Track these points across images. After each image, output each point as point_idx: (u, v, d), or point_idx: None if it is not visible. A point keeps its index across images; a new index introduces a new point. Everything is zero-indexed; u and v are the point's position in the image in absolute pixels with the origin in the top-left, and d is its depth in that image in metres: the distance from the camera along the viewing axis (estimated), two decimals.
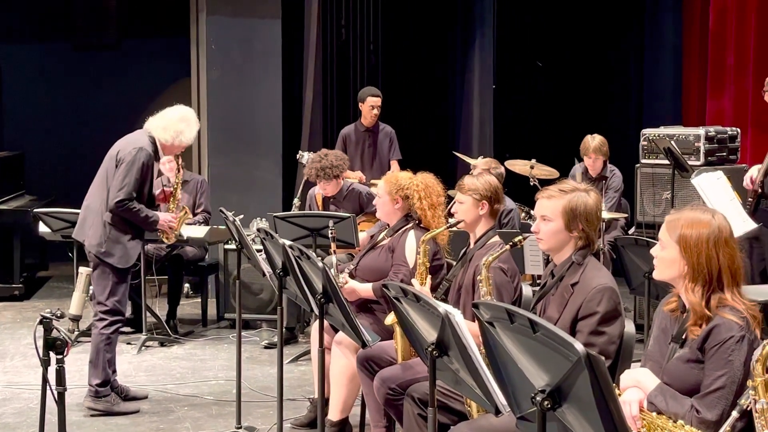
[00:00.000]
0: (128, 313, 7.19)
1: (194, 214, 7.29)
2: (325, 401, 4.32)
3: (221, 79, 8.45)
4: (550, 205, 3.47)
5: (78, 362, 6.11)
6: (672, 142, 6.69)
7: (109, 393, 5.28)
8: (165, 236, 5.69)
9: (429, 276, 4.31)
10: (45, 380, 3.35)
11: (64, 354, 3.24)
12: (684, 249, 2.94)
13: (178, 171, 5.68)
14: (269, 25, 8.45)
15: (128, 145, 5.34)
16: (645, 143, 7.28)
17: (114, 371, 5.47)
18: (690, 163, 6.77)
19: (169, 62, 10.54)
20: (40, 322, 3.24)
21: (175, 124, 5.40)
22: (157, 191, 5.62)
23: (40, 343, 3.31)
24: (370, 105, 7.91)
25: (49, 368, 3.31)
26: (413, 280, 4.34)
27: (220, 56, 8.44)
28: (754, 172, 5.65)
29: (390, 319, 4.24)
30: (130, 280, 5.41)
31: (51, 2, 10.96)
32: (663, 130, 7.30)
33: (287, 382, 5.38)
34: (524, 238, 3.85)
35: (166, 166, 7.25)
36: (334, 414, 4.68)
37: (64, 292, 8.07)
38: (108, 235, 5.25)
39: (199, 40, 8.58)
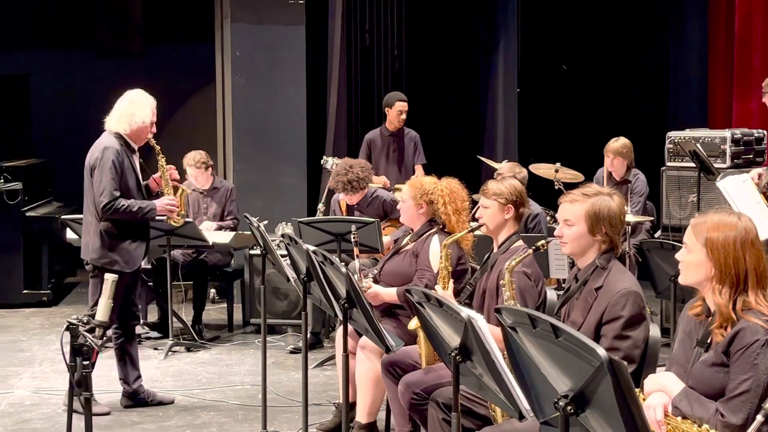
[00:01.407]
0: (155, 317, 7.29)
1: (223, 220, 7.34)
2: (350, 406, 4.33)
3: (246, 86, 8.49)
4: (573, 209, 3.48)
5: (104, 368, 6.16)
6: (698, 145, 6.65)
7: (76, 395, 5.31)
8: (170, 220, 5.59)
9: (451, 280, 4.30)
10: (72, 386, 3.38)
11: (91, 360, 3.27)
12: (711, 251, 2.93)
13: (159, 154, 5.48)
14: (293, 31, 8.48)
15: (94, 151, 5.32)
16: (670, 146, 7.25)
17: (139, 377, 5.50)
18: (716, 165, 6.73)
19: (194, 69, 10.60)
20: (67, 328, 3.27)
21: (125, 110, 5.35)
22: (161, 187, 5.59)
23: (67, 348, 3.34)
24: (398, 110, 7.91)
25: (75, 374, 3.34)
26: (436, 286, 4.34)
27: (244, 63, 8.49)
28: (755, 174, 5.62)
29: (413, 323, 4.24)
30: (126, 292, 5.27)
31: (77, 10, 11.07)
32: (689, 133, 7.26)
33: (312, 386, 5.39)
34: (547, 242, 3.84)
35: (193, 180, 7.30)
36: (361, 417, 4.70)
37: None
38: (108, 244, 5.24)
39: (224, 47, 8.63)
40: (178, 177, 5.64)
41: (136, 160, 5.41)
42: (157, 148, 5.47)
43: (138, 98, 5.42)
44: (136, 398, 5.49)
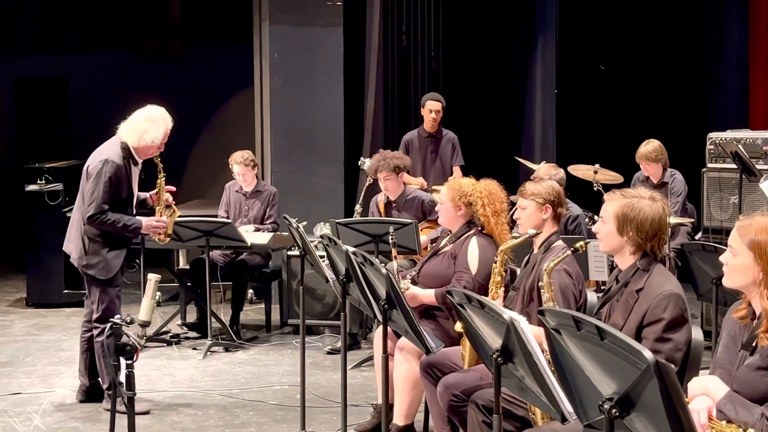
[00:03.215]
0: (194, 318, 7.34)
1: (263, 224, 7.37)
2: (389, 407, 4.33)
3: (284, 87, 8.53)
4: (607, 207, 3.50)
5: (145, 367, 6.22)
6: (739, 146, 6.59)
7: (119, 395, 5.36)
8: (157, 238, 5.68)
9: (502, 287, 4.27)
10: (115, 384, 3.42)
11: (134, 359, 3.30)
12: (759, 255, 2.89)
13: (160, 173, 5.56)
14: (331, 33, 8.51)
15: (96, 158, 5.36)
16: (711, 147, 7.18)
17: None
18: (758, 167, 6.66)
19: (233, 71, 10.67)
20: (111, 328, 3.30)
21: (139, 125, 5.38)
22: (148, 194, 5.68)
23: (111, 349, 3.37)
24: (429, 109, 7.92)
25: (118, 373, 3.38)
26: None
27: (282, 64, 8.52)
28: None
29: (459, 325, 4.23)
30: (119, 286, 5.42)
31: (116, 13, 11.18)
32: (730, 134, 7.18)
33: (350, 387, 5.38)
34: (586, 244, 3.82)
35: (240, 177, 7.34)
36: (398, 419, 4.69)
37: (132, 298, 8.18)
38: (87, 248, 5.33)
39: (262, 48, 8.67)
40: (172, 201, 5.72)
41: (136, 172, 5.47)
42: (160, 166, 5.54)
43: (155, 116, 5.45)
44: (93, 393, 5.56)
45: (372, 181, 6.92)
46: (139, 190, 5.63)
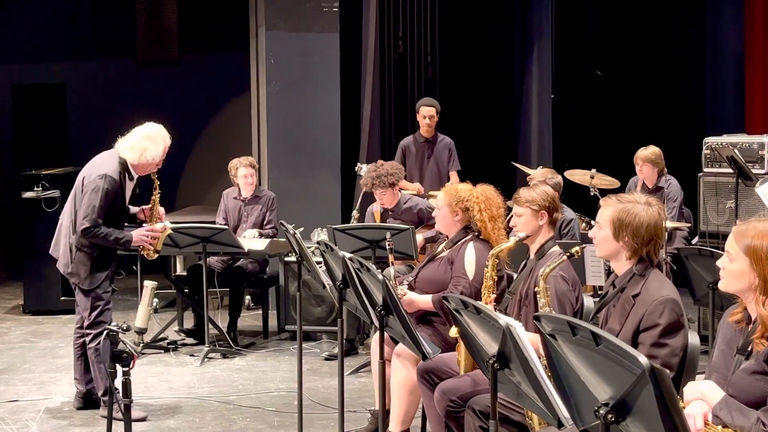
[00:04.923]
0: (191, 324, 7.34)
1: (262, 228, 7.38)
2: (385, 413, 4.33)
3: (280, 93, 8.54)
4: (603, 213, 3.50)
5: (143, 373, 6.22)
6: (735, 151, 6.60)
7: (116, 401, 5.37)
8: (145, 252, 5.71)
9: (494, 293, 4.27)
10: (111, 392, 3.41)
11: (130, 366, 3.30)
12: (755, 261, 2.89)
13: (155, 189, 5.61)
14: (327, 39, 8.52)
15: (93, 171, 5.40)
16: (708, 152, 7.19)
17: (92, 379, 5.54)
18: (754, 171, 6.67)
19: (229, 77, 10.68)
20: (107, 335, 3.30)
21: (139, 143, 5.43)
22: (137, 210, 5.71)
23: (107, 355, 3.37)
24: (423, 115, 7.93)
25: (115, 380, 3.37)
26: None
27: (279, 70, 8.53)
28: None
29: (454, 331, 4.23)
30: (109, 292, 5.45)
31: (114, 19, 11.19)
32: (726, 139, 7.20)
33: (347, 393, 5.38)
34: (582, 249, 3.82)
35: (248, 180, 7.36)
36: (395, 426, 4.69)
37: (129, 304, 8.19)
38: (74, 257, 5.39)
39: (259, 54, 8.68)
40: (163, 216, 5.77)
41: (130, 187, 5.53)
42: (156, 182, 5.60)
43: (154, 134, 5.50)
44: (90, 399, 5.58)
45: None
46: (133, 205, 5.68)
